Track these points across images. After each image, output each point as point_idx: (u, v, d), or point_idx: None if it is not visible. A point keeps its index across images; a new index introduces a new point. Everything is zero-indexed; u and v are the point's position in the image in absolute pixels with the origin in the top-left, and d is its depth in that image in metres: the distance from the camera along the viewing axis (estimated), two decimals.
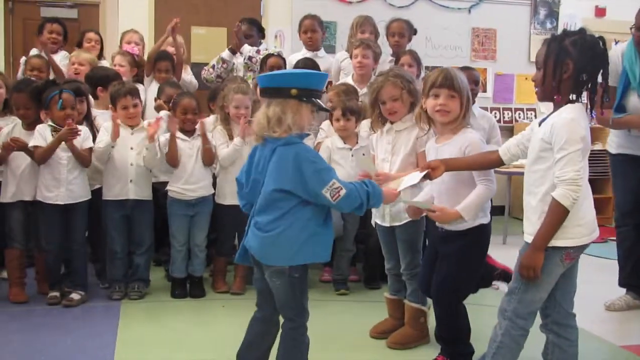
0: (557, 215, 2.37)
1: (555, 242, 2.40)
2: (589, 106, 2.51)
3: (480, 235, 2.89)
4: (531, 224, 2.47)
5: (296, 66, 4.63)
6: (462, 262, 2.86)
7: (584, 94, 2.48)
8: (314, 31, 5.10)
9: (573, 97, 2.45)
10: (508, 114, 7.50)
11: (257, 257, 2.53)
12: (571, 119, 2.38)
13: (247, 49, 5.07)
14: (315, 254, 2.52)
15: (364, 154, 3.83)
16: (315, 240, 2.50)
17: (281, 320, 2.62)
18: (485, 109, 7.02)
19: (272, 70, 4.53)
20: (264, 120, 2.48)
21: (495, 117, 7.25)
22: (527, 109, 7.54)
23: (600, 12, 8.05)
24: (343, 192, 2.43)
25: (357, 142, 4.11)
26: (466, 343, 2.99)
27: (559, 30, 7.91)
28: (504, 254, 5.51)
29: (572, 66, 2.41)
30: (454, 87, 2.83)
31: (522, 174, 6.63)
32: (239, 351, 2.71)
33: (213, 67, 5.05)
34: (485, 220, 2.89)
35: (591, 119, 2.45)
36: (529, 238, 2.46)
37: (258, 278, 2.62)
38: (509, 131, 7.39)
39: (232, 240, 4.24)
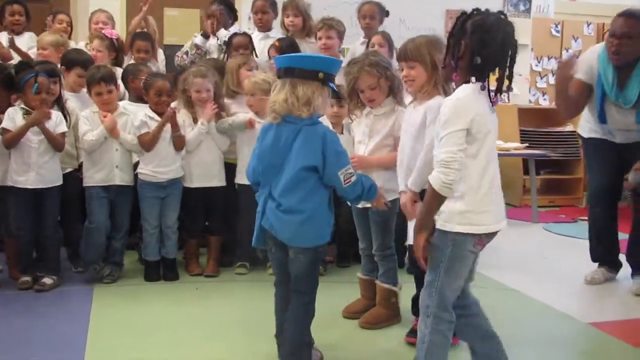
0: (430, 197, 2.29)
1: (464, 229, 2.31)
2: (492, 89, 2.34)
3: None
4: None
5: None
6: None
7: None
8: (265, 12, 5.03)
9: (473, 79, 2.33)
10: None
11: (285, 241, 2.62)
12: (457, 99, 2.29)
13: (222, 33, 5.03)
14: (329, 233, 2.70)
15: None
16: (331, 219, 2.69)
17: None
18: None
19: (238, 49, 4.53)
20: (293, 100, 2.56)
21: None
22: None
23: None
24: (353, 178, 2.61)
25: (342, 132, 4.08)
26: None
27: (532, 13, 8.06)
28: None
29: (464, 48, 2.29)
30: (410, 57, 2.90)
31: None
32: (277, 332, 2.81)
33: (187, 53, 5.01)
34: None
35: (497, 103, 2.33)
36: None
37: (279, 257, 2.71)
38: None
39: (201, 222, 4.24)
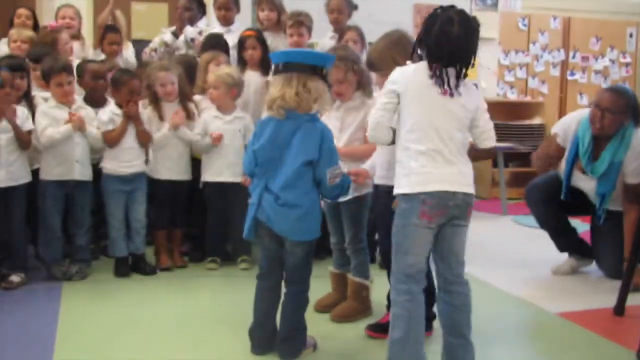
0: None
1: (403, 190, 2.47)
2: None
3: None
4: None
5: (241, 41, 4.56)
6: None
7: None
8: (229, 9, 5.01)
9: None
10: None
11: (282, 233, 2.70)
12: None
13: (189, 30, 4.99)
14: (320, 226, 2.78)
15: None
16: (320, 214, 2.78)
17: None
18: None
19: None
20: (306, 95, 2.62)
21: None
22: None
23: None
24: (338, 180, 2.72)
25: None
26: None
27: (499, 7, 8.11)
28: None
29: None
30: (377, 68, 3.00)
31: None
32: (253, 327, 2.85)
33: (155, 50, 4.97)
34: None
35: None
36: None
37: (271, 247, 2.78)
38: None
39: (167, 214, 4.21)
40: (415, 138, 2.46)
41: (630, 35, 8.52)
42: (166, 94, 4.08)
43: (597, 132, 3.85)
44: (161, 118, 4.08)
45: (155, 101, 4.11)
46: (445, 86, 2.45)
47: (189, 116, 4.16)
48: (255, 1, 6.52)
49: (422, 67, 2.50)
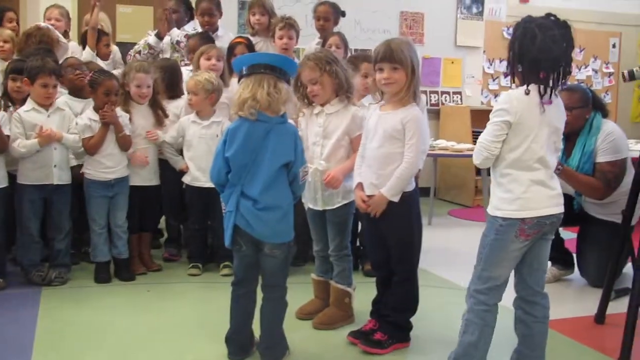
0: None
1: (507, 214, 2.49)
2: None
3: (411, 200, 2.99)
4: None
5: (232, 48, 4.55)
6: (408, 228, 3.00)
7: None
8: (212, 15, 5.01)
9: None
10: (435, 97, 7.63)
11: (263, 238, 2.69)
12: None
13: (175, 32, 4.98)
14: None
15: None
16: None
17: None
18: None
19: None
20: (278, 95, 2.64)
21: None
22: (453, 92, 7.68)
23: None
24: (307, 176, 2.83)
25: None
26: (410, 314, 3.10)
27: (485, 16, 8.19)
28: (429, 234, 5.62)
29: (510, 57, 2.52)
30: (395, 59, 2.86)
31: (448, 155, 6.76)
32: (230, 334, 2.84)
33: (139, 52, 4.94)
34: (410, 187, 2.98)
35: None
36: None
37: (248, 254, 2.75)
38: (435, 114, 7.53)
39: (137, 219, 4.16)
40: (522, 166, 2.50)
41: (614, 46, 8.61)
42: (140, 96, 4.05)
43: (565, 131, 3.87)
44: (130, 120, 4.03)
45: (126, 102, 4.06)
46: (549, 96, 2.47)
47: (159, 122, 4.15)
48: (241, 6, 6.54)
49: (534, 91, 2.46)
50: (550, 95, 2.48)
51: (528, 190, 2.47)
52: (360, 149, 3.06)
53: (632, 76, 3.25)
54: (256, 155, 2.66)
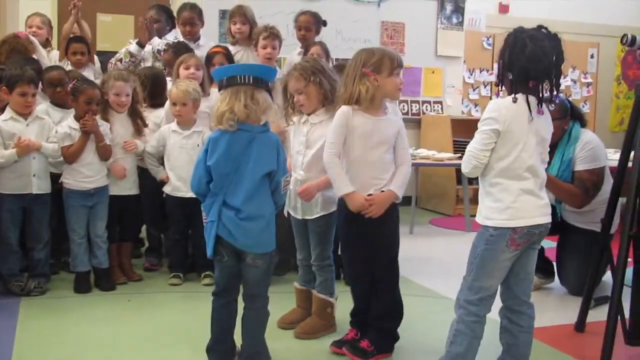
0: None
1: (497, 223, 2.51)
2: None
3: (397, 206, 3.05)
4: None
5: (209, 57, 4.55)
6: (396, 235, 3.08)
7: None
8: (193, 24, 5.01)
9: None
10: (416, 106, 7.66)
11: (246, 248, 2.68)
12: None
13: (156, 41, 4.96)
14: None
15: None
16: None
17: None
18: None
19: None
20: (255, 107, 2.63)
21: (403, 109, 7.41)
22: (434, 102, 7.72)
23: (503, 8, 8.37)
24: (288, 185, 2.85)
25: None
26: (398, 322, 3.10)
27: (465, 26, 8.27)
28: (411, 243, 5.66)
29: (500, 66, 2.54)
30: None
31: (429, 165, 6.76)
32: (211, 344, 2.81)
33: (120, 60, 4.92)
34: None
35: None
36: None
37: (230, 264, 2.73)
38: (416, 123, 7.58)
39: (116, 229, 4.15)
40: (511, 175, 2.52)
41: (592, 56, 8.72)
42: (119, 104, 4.03)
43: None
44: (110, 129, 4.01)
45: (105, 111, 4.03)
46: (540, 105, 2.50)
47: (138, 132, 4.13)
48: (222, 15, 6.55)
49: (522, 100, 2.50)
50: (541, 105, 2.51)
51: (518, 200, 2.49)
52: (340, 158, 2.99)
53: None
54: (238, 164, 2.65)
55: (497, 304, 2.67)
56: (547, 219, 2.57)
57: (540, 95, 2.50)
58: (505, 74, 2.53)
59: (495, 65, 7.83)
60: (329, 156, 2.93)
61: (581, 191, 3.88)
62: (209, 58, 4.52)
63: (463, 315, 2.59)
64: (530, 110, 2.49)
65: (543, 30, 2.51)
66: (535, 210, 2.52)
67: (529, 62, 2.45)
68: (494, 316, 2.66)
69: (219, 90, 2.76)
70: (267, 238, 2.72)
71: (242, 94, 2.64)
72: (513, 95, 2.49)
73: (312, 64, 3.27)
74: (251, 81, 2.66)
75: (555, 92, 2.54)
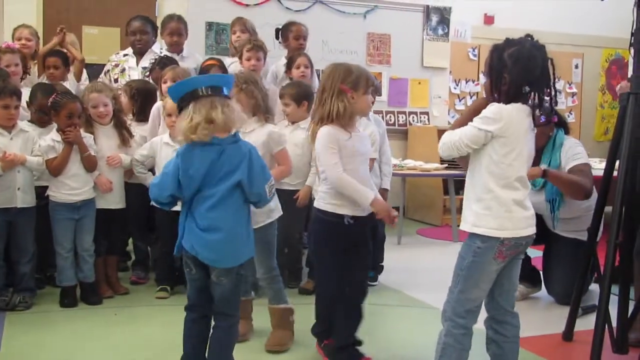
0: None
1: (487, 231, 2.48)
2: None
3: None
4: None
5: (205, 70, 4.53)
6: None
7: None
8: (180, 35, 5.03)
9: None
10: (402, 117, 7.69)
11: (208, 262, 2.60)
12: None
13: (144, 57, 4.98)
14: (252, 250, 2.72)
15: None
16: (251, 235, 2.71)
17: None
18: (380, 112, 7.21)
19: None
20: (230, 114, 2.58)
21: (390, 120, 7.43)
22: (421, 113, 7.75)
23: (489, 19, 8.43)
24: (274, 189, 2.76)
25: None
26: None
27: (450, 37, 8.30)
28: (398, 254, 5.64)
29: (508, 79, 2.48)
30: None
31: (416, 175, 6.77)
32: None
33: (107, 72, 4.91)
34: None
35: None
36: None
37: (198, 278, 2.67)
38: (403, 134, 7.60)
39: (103, 242, 4.10)
40: (504, 184, 2.49)
41: (576, 67, 8.79)
42: (98, 116, 4.00)
43: None
44: (94, 141, 3.98)
45: (89, 124, 4.00)
46: (537, 112, 2.51)
47: (124, 142, 4.10)
48: (208, 27, 6.57)
49: (522, 110, 2.49)
50: (534, 116, 2.51)
51: (509, 210, 2.48)
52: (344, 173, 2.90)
53: None
54: (209, 177, 2.58)
55: (483, 314, 2.67)
56: (533, 230, 2.56)
57: (536, 105, 2.51)
58: (498, 84, 2.51)
59: (482, 76, 7.93)
60: (337, 175, 2.82)
61: (587, 180, 3.89)
62: (205, 70, 4.51)
63: (451, 328, 2.57)
64: (534, 120, 2.51)
65: (529, 39, 2.52)
66: (523, 221, 2.51)
67: (524, 72, 2.46)
68: (480, 326, 2.65)
69: (179, 106, 2.64)
70: (230, 252, 2.61)
71: (218, 103, 2.57)
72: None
73: (247, 75, 3.40)
74: (220, 90, 2.61)
75: (555, 103, 2.57)
